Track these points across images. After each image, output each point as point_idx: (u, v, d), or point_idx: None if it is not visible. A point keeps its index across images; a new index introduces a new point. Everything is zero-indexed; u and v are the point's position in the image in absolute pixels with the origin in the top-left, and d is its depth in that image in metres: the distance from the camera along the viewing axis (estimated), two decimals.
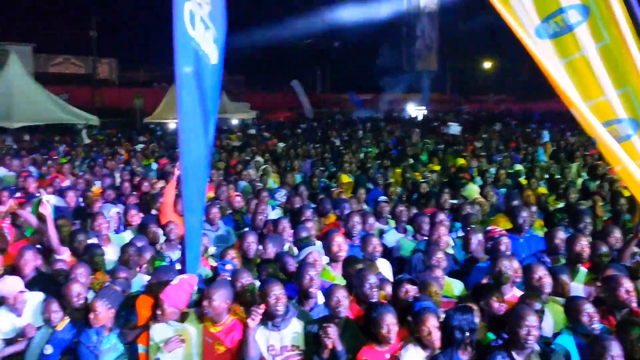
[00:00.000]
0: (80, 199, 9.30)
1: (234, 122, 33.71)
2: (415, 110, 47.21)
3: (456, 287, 5.87)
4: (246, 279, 5.15)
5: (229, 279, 5.19)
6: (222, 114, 27.98)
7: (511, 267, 5.37)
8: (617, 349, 4.06)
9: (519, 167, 13.43)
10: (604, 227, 7.06)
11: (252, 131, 27.94)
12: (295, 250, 6.66)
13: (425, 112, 46.78)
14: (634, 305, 4.86)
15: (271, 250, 6.36)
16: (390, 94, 50.76)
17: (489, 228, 6.66)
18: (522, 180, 11.54)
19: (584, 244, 5.85)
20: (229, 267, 5.45)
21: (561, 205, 9.02)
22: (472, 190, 10.31)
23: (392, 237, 7.49)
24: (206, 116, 5.26)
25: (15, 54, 28.02)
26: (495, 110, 46.69)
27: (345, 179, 11.95)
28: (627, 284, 4.85)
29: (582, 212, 7.41)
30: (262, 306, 4.63)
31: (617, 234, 6.44)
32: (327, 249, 6.16)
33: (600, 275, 5.44)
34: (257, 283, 5.27)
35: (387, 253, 6.98)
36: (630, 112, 4.12)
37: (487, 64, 57.42)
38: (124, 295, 5.13)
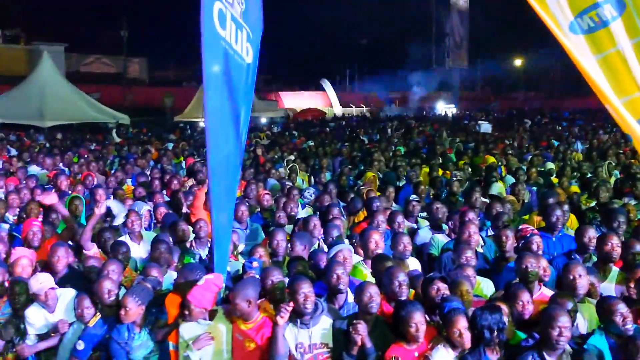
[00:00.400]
0: (112, 197, 9.42)
1: (263, 120, 33.86)
2: (445, 108, 46.90)
3: (487, 286, 5.80)
4: (276, 276, 5.16)
5: (256, 276, 5.22)
6: (253, 112, 28.09)
7: (538, 264, 5.30)
8: None
9: (550, 165, 13.25)
10: (637, 227, 6.92)
11: (276, 129, 28.03)
12: (325, 248, 6.66)
13: (455, 110, 46.44)
14: None
15: (300, 248, 6.35)
16: (420, 92, 50.49)
17: (520, 227, 6.58)
18: (554, 178, 11.39)
19: (614, 243, 5.74)
20: (255, 264, 5.47)
21: (593, 204, 8.88)
22: (498, 188, 10.20)
23: (426, 235, 7.44)
24: (236, 115, 5.28)
25: (48, 54, 28.54)
26: (526, 108, 46.13)
27: (370, 174, 11.90)
28: None
29: (615, 210, 7.27)
30: (291, 304, 4.63)
31: None
32: (364, 247, 6.18)
33: (631, 275, 5.34)
34: (287, 281, 5.28)
35: (419, 252, 6.94)
36: None
37: (518, 61, 56.70)
38: (155, 293, 5.18)
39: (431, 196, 10.05)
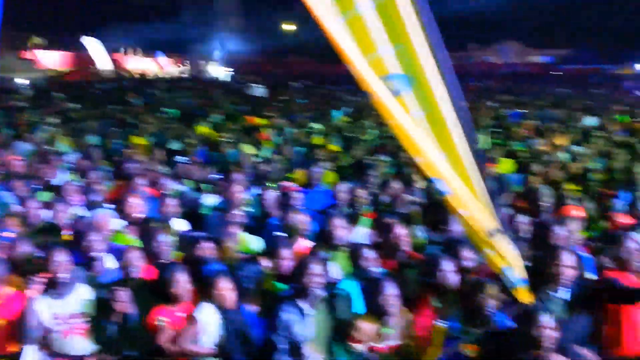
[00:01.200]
0: None
1: (23, 81, 31.06)
2: (218, 71, 46.92)
3: (253, 242, 5.96)
4: (25, 247, 4.87)
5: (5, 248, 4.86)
6: (9, 72, 25.88)
7: (297, 219, 5.59)
8: (392, 289, 4.38)
9: (315, 125, 13.90)
10: (386, 180, 7.56)
11: (32, 93, 25.89)
12: (84, 214, 6.38)
13: (229, 72, 46.70)
14: (406, 248, 5.28)
15: (58, 215, 6.09)
16: (194, 55, 49.89)
17: (282, 184, 6.85)
18: (318, 138, 11.98)
19: (362, 195, 6.27)
20: (5, 234, 5.09)
21: (350, 160, 9.55)
22: (248, 149, 10.49)
23: (193, 197, 7.43)
24: None
25: None
26: (296, 72, 47.74)
27: (139, 140, 11.57)
28: (397, 230, 5.27)
29: (365, 166, 7.93)
30: (43, 274, 4.39)
31: (397, 185, 6.95)
32: (123, 212, 6.05)
33: (378, 222, 5.84)
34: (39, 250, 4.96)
35: (189, 213, 6.93)
36: (404, 69, 4.36)
37: (289, 27, 58.37)
38: None
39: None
